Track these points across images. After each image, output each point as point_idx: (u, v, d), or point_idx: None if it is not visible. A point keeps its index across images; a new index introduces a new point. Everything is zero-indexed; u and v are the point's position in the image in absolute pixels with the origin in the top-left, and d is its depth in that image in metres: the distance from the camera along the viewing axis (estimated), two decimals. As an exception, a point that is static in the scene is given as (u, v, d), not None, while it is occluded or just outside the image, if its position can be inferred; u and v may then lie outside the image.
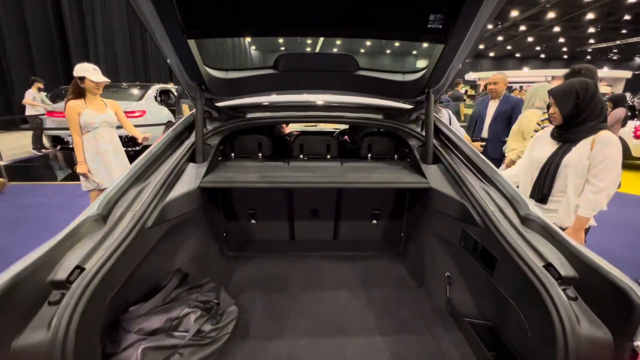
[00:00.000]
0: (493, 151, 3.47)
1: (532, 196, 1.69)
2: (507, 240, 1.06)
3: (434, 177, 1.57)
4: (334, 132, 3.24)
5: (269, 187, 1.64)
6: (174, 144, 1.62)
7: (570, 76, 2.22)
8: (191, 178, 1.49)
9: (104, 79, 2.63)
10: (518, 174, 1.81)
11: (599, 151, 1.48)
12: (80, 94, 2.63)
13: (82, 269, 0.89)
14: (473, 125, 3.70)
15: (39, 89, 7.33)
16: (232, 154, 1.93)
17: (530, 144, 1.80)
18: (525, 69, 26.73)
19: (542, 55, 31.73)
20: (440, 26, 1.22)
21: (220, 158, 1.86)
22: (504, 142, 3.37)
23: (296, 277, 1.84)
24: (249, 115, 1.86)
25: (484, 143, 3.51)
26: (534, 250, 1.00)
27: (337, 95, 1.90)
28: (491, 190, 1.30)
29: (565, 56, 31.72)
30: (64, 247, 0.93)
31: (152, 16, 1.11)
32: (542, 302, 0.87)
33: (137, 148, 5.68)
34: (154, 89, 7.32)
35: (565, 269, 0.91)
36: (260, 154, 1.90)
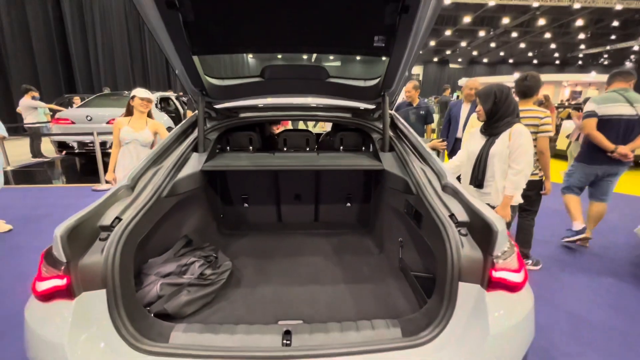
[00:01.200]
0: None
1: (471, 183, 2.08)
2: (429, 202, 1.45)
3: (388, 161, 1.97)
4: (321, 134, 3.66)
5: (257, 170, 2.04)
6: (180, 137, 2.02)
7: (519, 82, 2.64)
8: (195, 163, 1.89)
9: (147, 96, 2.90)
10: (459, 165, 2.20)
11: (514, 141, 1.88)
12: (129, 112, 2.95)
13: (120, 219, 1.28)
14: (447, 127, 4.11)
15: (33, 97, 7.53)
16: (228, 147, 2.33)
17: (467, 140, 2.19)
18: (516, 74, 27.38)
19: (535, 61, 32.43)
20: (383, 44, 1.63)
21: (217, 150, 2.25)
22: None
23: (282, 248, 2.22)
24: (242, 115, 2.26)
25: (445, 142, 3.75)
26: (445, 206, 1.38)
27: (313, 98, 2.31)
28: (426, 168, 1.69)
29: (557, 62, 32.42)
30: (107, 204, 1.32)
31: (166, 38, 1.52)
32: (443, 238, 1.25)
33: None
34: (155, 96, 7.72)
35: (461, 217, 1.30)
36: (251, 147, 2.30)
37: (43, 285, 1.09)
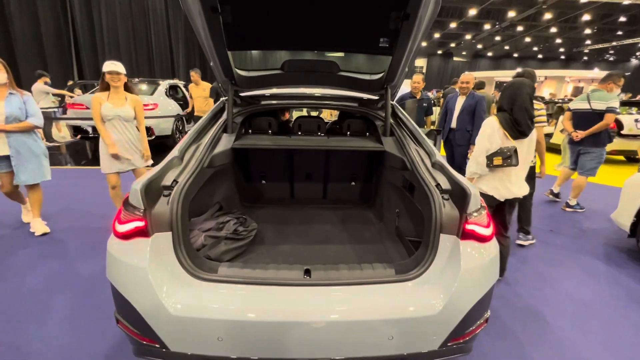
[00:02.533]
0: (460, 139, 4.19)
1: None
2: (420, 175, 1.79)
3: (388, 144, 2.31)
4: (328, 122, 4.01)
5: (276, 149, 2.39)
6: (212, 120, 2.36)
7: (516, 77, 2.98)
8: (226, 142, 2.23)
9: (113, 69, 2.87)
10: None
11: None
12: (105, 87, 2.98)
13: (176, 182, 1.63)
14: (444, 118, 4.43)
15: (45, 83, 7.68)
16: (250, 130, 2.67)
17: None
18: (519, 69, 27.37)
19: (540, 56, 32.33)
20: (387, 45, 1.96)
21: (242, 132, 2.59)
22: (469, 132, 4.10)
23: (295, 218, 2.59)
24: (263, 102, 2.60)
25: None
26: (433, 178, 1.73)
27: (325, 89, 2.64)
28: (420, 149, 2.04)
29: (562, 57, 32.31)
30: (166, 169, 1.67)
31: (207, 36, 1.85)
32: (430, 202, 1.60)
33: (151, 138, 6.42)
34: (165, 84, 7.91)
35: (445, 186, 1.65)
36: (270, 131, 2.64)
37: (125, 227, 1.44)
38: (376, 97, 2.53)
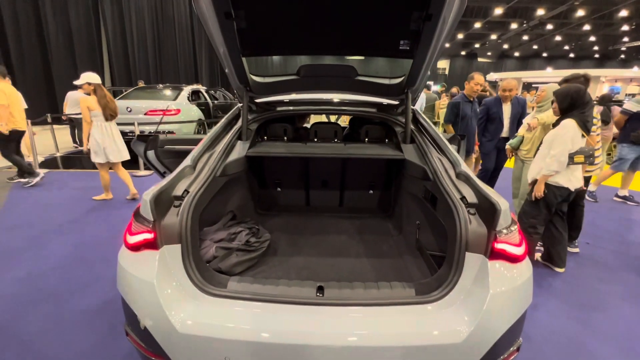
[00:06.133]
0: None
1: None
2: (443, 187, 1.66)
3: (408, 152, 2.19)
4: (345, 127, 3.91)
5: (291, 157, 2.32)
6: (227, 127, 2.32)
7: (563, 82, 2.93)
8: (240, 150, 2.19)
9: (76, 83, 3.85)
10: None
11: (556, 130, 2.48)
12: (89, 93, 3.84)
13: (188, 192, 1.59)
14: (484, 126, 4.02)
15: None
16: (265, 137, 2.62)
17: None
18: (549, 69, 26.14)
19: (571, 55, 30.71)
20: (408, 47, 1.85)
21: (258, 140, 2.55)
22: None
23: (310, 227, 2.51)
24: (279, 109, 2.54)
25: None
26: (458, 190, 1.60)
27: (342, 94, 2.54)
28: (443, 158, 1.90)
29: (596, 55, 30.54)
30: (177, 179, 1.64)
31: (221, 42, 1.81)
32: (454, 216, 1.47)
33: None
34: (187, 89, 8.04)
35: (471, 199, 1.51)
36: (285, 137, 2.58)
37: (135, 238, 1.41)
38: (396, 102, 2.41)
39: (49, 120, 7.08)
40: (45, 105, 10.85)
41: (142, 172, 5.76)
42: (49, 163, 6.56)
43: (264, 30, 1.82)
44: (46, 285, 2.48)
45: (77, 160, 6.95)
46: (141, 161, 5.74)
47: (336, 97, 2.55)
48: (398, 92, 2.25)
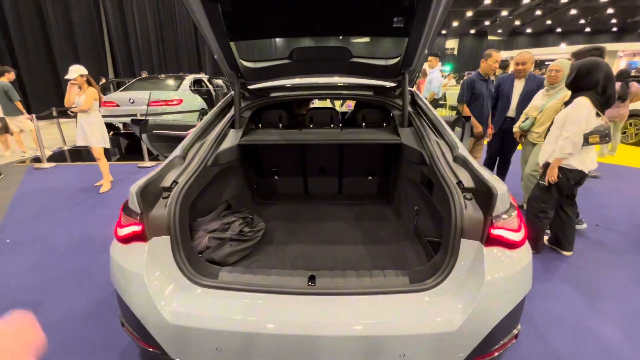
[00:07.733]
0: None
1: None
2: (440, 171, 1.60)
3: (406, 136, 2.11)
4: (346, 112, 3.80)
5: (286, 144, 2.27)
6: (219, 115, 2.28)
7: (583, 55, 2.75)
8: (232, 138, 2.15)
9: (68, 77, 3.85)
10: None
11: (568, 110, 2.33)
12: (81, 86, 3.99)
13: (176, 182, 1.57)
14: (494, 105, 3.66)
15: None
16: (260, 124, 2.57)
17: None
18: (563, 45, 24.97)
19: (587, 29, 29.27)
20: (402, 25, 1.75)
21: (252, 127, 2.50)
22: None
23: (308, 215, 2.48)
24: (272, 95, 2.47)
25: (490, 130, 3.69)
26: (454, 174, 1.53)
27: (338, 77, 2.45)
28: (441, 141, 1.82)
29: (614, 29, 29.02)
30: (166, 170, 1.61)
31: (207, 27, 1.74)
32: (450, 202, 1.41)
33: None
34: (189, 79, 7.92)
35: (468, 183, 1.45)
36: (280, 124, 2.52)
37: (123, 231, 1.40)
38: (393, 84, 2.32)
39: (54, 114, 7.13)
40: (50, 99, 10.93)
41: (147, 163, 5.78)
42: (57, 157, 6.64)
43: (250, 12, 1.74)
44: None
45: (85, 152, 7.03)
46: (145, 153, 5.77)
47: (331, 80, 2.47)
48: (395, 73, 2.15)
